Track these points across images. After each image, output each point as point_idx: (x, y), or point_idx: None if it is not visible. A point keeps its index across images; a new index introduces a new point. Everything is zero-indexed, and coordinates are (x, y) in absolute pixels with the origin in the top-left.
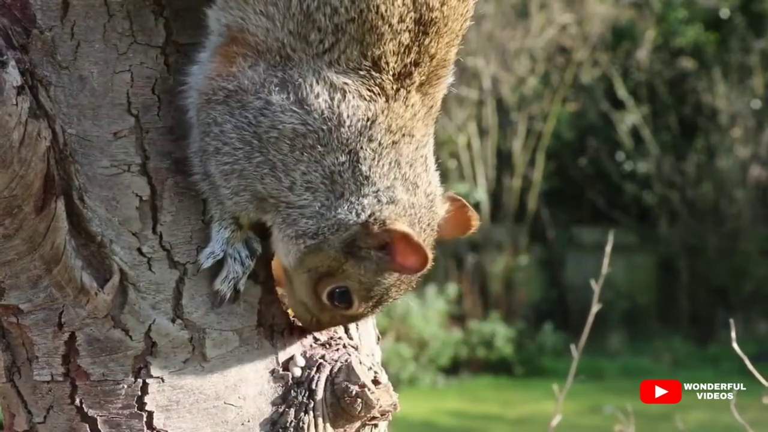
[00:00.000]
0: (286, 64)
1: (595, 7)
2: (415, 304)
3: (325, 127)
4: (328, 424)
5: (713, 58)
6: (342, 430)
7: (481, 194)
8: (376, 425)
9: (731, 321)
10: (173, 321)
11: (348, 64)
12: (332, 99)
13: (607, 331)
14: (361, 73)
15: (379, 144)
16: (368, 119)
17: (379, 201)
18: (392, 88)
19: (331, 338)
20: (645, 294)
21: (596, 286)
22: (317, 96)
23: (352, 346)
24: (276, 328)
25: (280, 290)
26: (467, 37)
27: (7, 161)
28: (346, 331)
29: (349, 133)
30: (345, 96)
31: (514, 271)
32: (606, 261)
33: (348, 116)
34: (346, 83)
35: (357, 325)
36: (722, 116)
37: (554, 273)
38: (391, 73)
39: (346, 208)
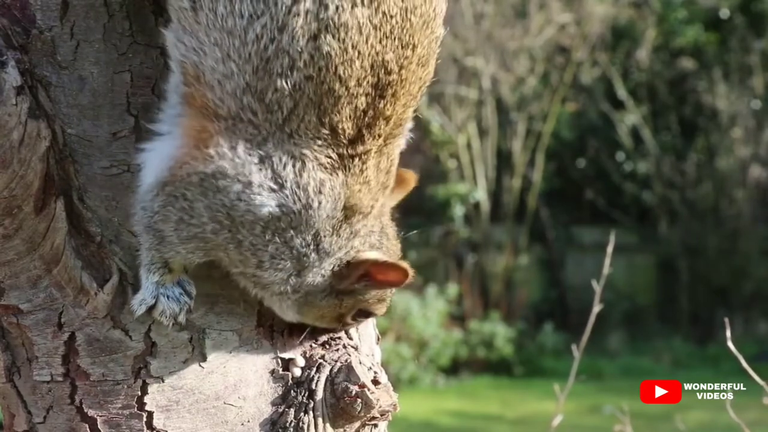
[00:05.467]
0: (259, 136)
1: (595, 7)
2: (415, 304)
3: (296, 209)
4: (327, 424)
5: (713, 58)
6: (342, 430)
7: (481, 194)
8: (375, 425)
9: (728, 320)
10: None
11: (307, 133)
12: (301, 175)
13: (607, 332)
14: (320, 142)
15: (338, 220)
16: (334, 199)
17: (337, 257)
18: (348, 156)
19: (331, 338)
20: (645, 294)
21: (597, 287)
22: (289, 173)
23: (352, 347)
24: (276, 328)
25: None
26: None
27: (6, 161)
28: (346, 331)
29: (316, 215)
30: (305, 167)
31: (514, 271)
32: (607, 261)
33: (315, 193)
34: (305, 154)
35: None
36: (722, 116)
37: (554, 273)
38: (347, 138)
39: (310, 275)
